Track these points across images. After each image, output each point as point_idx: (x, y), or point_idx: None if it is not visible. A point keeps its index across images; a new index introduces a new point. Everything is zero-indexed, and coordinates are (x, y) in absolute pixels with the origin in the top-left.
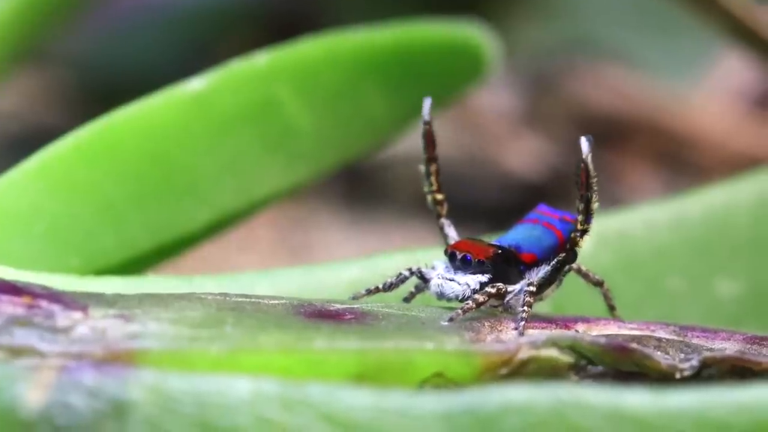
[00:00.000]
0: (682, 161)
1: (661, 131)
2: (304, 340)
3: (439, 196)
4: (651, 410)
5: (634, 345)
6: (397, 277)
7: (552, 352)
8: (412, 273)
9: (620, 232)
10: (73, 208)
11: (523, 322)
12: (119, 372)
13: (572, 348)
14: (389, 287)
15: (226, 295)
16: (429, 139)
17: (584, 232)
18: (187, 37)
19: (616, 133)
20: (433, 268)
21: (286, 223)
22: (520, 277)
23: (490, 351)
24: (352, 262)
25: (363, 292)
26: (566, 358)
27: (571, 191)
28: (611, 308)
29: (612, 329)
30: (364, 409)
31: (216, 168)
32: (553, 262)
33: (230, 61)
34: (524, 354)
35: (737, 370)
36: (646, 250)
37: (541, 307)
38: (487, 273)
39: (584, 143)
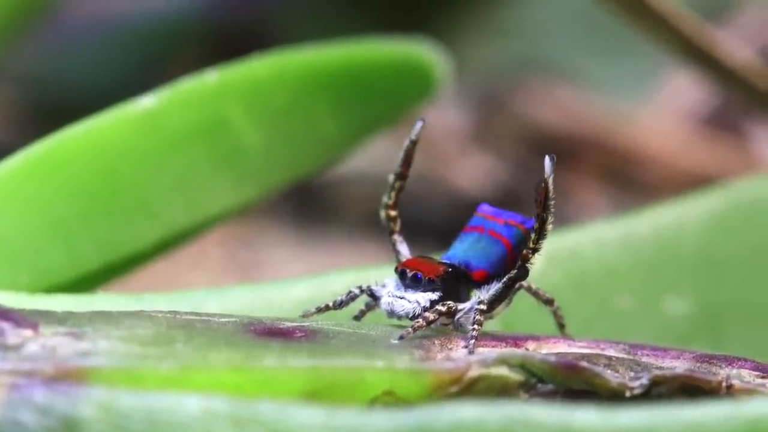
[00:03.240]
0: (632, 180)
1: (610, 150)
2: (255, 357)
3: (393, 213)
4: (601, 428)
5: (584, 363)
6: (348, 294)
7: (502, 371)
8: (362, 291)
9: (570, 250)
10: (22, 226)
11: (473, 341)
12: (70, 389)
13: (522, 366)
14: (339, 305)
15: (176, 312)
16: (408, 157)
17: (536, 250)
18: (137, 55)
19: (566, 152)
20: (383, 285)
21: (235, 241)
22: (471, 294)
23: (440, 369)
24: (301, 280)
25: (313, 310)
26: (516, 377)
27: (521, 210)
28: (561, 326)
29: (562, 347)
30: (315, 427)
31: (166, 186)
32: (504, 280)
33: (180, 79)
34: (474, 372)
35: (687, 389)
36: (596, 269)
37: (491, 325)
38: (437, 291)
39: (548, 162)
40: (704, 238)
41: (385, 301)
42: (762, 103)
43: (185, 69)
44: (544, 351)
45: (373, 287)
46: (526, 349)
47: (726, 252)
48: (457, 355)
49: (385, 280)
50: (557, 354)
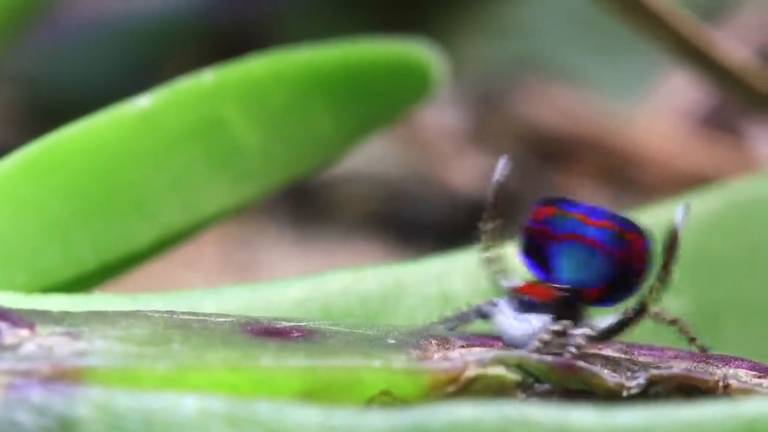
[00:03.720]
0: (628, 180)
1: (607, 149)
2: (252, 357)
3: (491, 254)
4: (598, 428)
5: (580, 363)
6: (459, 313)
7: (499, 370)
8: (475, 313)
9: None
10: (18, 226)
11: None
12: (66, 389)
13: (519, 366)
14: (453, 328)
15: (173, 312)
16: (496, 198)
17: (658, 298)
18: (133, 55)
19: (562, 152)
20: (494, 305)
21: (232, 241)
22: (585, 315)
23: (437, 369)
24: (298, 280)
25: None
26: (513, 376)
27: (517, 210)
28: (692, 340)
29: None
30: (312, 426)
31: (162, 186)
32: (620, 319)
33: (176, 79)
34: (471, 372)
35: (684, 389)
36: None
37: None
38: (551, 314)
39: (679, 210)
40: (701, 237)
41: (498, 323)
42: (759, 104)
43: (181, 69)
44: None
45: (484, 307)
46: None
47: (723, 252)
48: (453, 355)
49: (497, 300)
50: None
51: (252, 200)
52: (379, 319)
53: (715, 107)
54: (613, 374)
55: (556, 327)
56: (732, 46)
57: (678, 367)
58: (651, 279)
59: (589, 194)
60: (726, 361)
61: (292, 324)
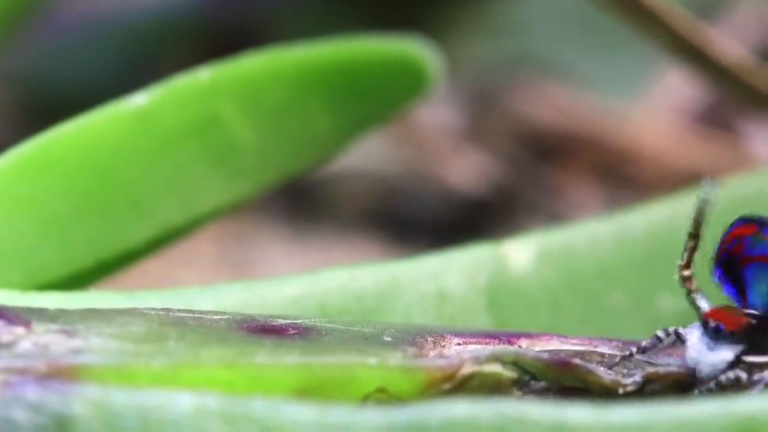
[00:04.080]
0: (624, 177)
1: (603, 147)
2: (247, 354)
3: (687, 273)
4: (594, 426)
5: (576, 360)
6: (653, 338)
7: (495, 368)
8: (668, 335)
9: (563, 248)
10: (15, 223)
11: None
12: (62, 387)
13: (515, 363)
14: (644, 351)
15: (168, 310)
16: (700, 219)
17: None
18: (130, 53)
19: (558, 149)
20: (691, 329)
21: (228, 238)
22: None
23: (433, 366)
24: (294, 278)
25: (618, 358)
26: (509, 374)
27: (513, 208)
28: None
29: (555, 345)
30: (307, 424)
31: (159, 183)
32: None
33: (173, 77)
34: (467, 369)
35: (680, 386)
36: (589, 266)
37: (484, 323)
38: (740, 344)
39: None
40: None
41: (690, 357)
42: (755, 101)
43: (178, 67)
44: (537, 348)
45: (681, 331)
46: (519, 347)
47: None
48: (449, 353)
49: (692, 327)
50: (550, 351)
51: (248, 197)
52: (375, 316)
53: (711, 105)
54: (609, 372)
55: (741, 373)
56: (728, 43)
57: (674, 365)
58: None
59: (584, 191)
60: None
61: (288, 321)
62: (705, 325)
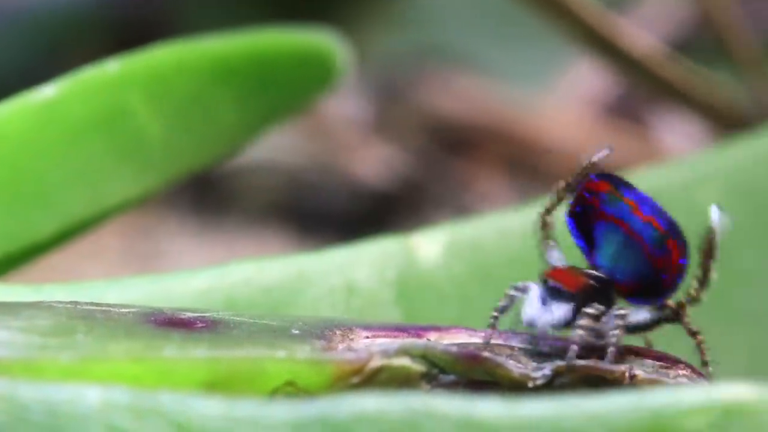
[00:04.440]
0: (534, 169)
1: (512, 139)
2: (155, 348)
3: (549, 219)
4: (504, 419)
5: (486, 354)
6: (507, 299)
7: (404, 361)
8: (517, 289)
9: (472, 240)
10: None
11: (612, 349)
12: None
13: (424, 357)
14: (503, 311)
15: (76, 303)
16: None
17: (696, 300)
18: (38, 44)
19: (467, 141)
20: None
21: (134, 231)
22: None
23: (342, 360)
24: (201, 271)
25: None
26: (418, 367)
27: (420, 201)
28: (704, 363)
29: (464, 338)
30: (216, 417)
31: (66, 176)
32: (653, 317)
33: (81, 69)
34: (376, 363)
35: (590, 380)
36: (498, 259)
37: (392, 316)
38: (577, 303)
39: (715, 212)
40: None
41: (525, 312)
42: (664, 92)
43: (86, 58)
44: (446, 341)
45: (520, 285)
46: (428, 340)
47: None
48: (358, 346)
49: (529, 284)
50: (459, 344)
51: (155, 190)
52: (283, 309)
53: (620, 96)
54: (519, 365)
55: (591, 311)
56: (637, 35)
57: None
58: (688, 282)
59: (493, 183)
60: (632, 352)
61: (195, 315)
62: (545, 283)
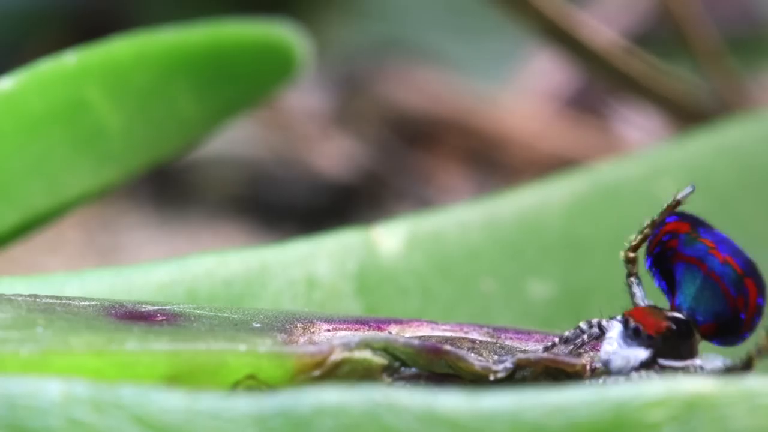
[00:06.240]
0: (493, 162)
1: (472, 132)
2: (116, 341)
3: (632, 255)
4: (465, 412)
5: (447, 347)
6: (575, 330)
7: (365, 354)
8: (591, 326)
9: (432, 233)
10: None
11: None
12: None
13: (385, 350)
14: (566, 341)
15: (36, 296)
16: (667, 213)
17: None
18: None
19: (427, 134)
20: (610, 320)
21: (94, 224)
22: (692, 350)
23: (303, 353)
24: (162, 264)
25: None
26: (380, 360)
27: (380, 194)
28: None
29: (425, 331)
30: (177, 411)
31: (25, 169)
32: (729, 365)
33: (39, 61)
34: (337, 356)
35: (551, 372)
36: (459, 251)
37: (353, 309)
38: (653, 348)
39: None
40: (567, 220)
41: (605, 350)
42: (624, 86)
43: (44, 51)
44: (407, 334)
45: (603, 323)
46: (390, 333)
47: (588, 234)
48: (319, 339)
49: (614, 320)
50: (420, 338)
51: (115, 183)
52: (244, 302)
53: (580, 89)
54: (480, 358)
55: (666, 363)
56: (598, 28)
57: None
58: (760, 332)
59: (453, 176)
60: (594, 344)
61: (156, 308)
62: (626, 323)
